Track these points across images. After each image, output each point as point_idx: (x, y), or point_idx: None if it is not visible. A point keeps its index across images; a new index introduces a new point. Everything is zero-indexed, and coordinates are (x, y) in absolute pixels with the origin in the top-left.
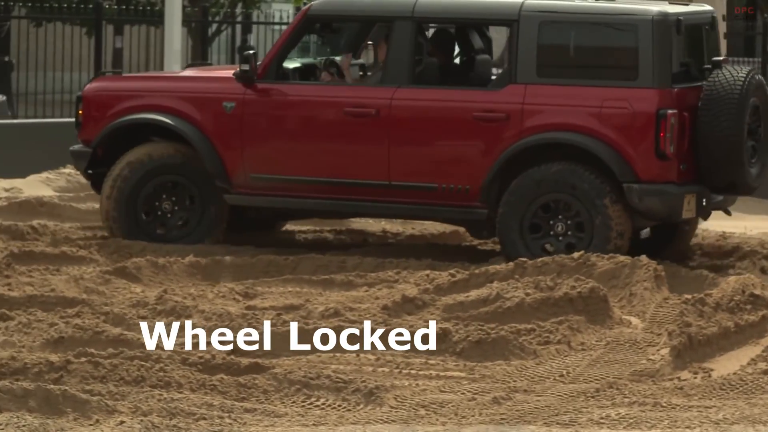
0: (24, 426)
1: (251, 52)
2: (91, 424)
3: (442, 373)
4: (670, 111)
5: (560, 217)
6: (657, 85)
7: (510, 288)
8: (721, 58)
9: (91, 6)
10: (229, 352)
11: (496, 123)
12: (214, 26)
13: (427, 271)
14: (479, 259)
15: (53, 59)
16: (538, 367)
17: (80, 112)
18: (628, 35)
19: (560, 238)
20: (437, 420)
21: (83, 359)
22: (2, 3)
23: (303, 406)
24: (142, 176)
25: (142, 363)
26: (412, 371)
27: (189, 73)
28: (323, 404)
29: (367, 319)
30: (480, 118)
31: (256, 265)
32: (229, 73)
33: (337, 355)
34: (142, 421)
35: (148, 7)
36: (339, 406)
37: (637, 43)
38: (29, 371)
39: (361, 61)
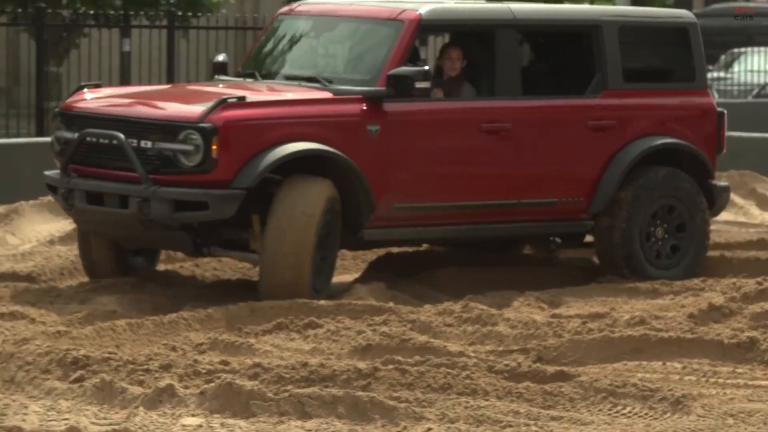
0: None
1: (426, 67)
2: (398, 431)
3: (750, 382)
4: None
5: (658, 221)
6: (705, 86)
7: None
8: None
9: None
10: (534, 360)
11: (606, 131)
12: None
13: (734, 280)
14: None
15: None
16: None
17: (213, 147)
18: (682, 38)
19: (660, 242)
20: (746, 429)
21: (390, 366)
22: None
23: (609, 414)
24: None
25: (449, 370)
26: (719, 380)
27: (299, 95)
28: (630, 412)
29: (673, 327)
30: (593, 127)
31: (561, 274)
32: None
33: (644, 363)
34: (449, 428)
35: None
36: (646, 414)
37: (691, 45)
38: (338, 378)
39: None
